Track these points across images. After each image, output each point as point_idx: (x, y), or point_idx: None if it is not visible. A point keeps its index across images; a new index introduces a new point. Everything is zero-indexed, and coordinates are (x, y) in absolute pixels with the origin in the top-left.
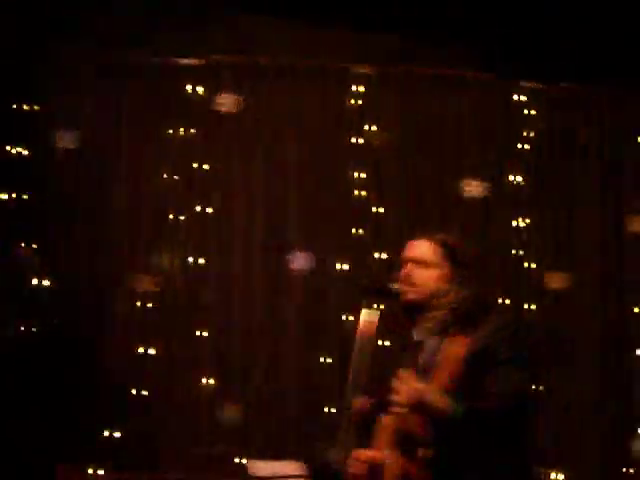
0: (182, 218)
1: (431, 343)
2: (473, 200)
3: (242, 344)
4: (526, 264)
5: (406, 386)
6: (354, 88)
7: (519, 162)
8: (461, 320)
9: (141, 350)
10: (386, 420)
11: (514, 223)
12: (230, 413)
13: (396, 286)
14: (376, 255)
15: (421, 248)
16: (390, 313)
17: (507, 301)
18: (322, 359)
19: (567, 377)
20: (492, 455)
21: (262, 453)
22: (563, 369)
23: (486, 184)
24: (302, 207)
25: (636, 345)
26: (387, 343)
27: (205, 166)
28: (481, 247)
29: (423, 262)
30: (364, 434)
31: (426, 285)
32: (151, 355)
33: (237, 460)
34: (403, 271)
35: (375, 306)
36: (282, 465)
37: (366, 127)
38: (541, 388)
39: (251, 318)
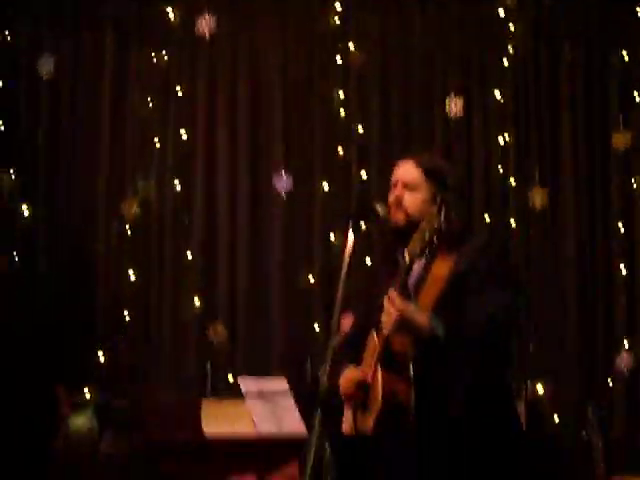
0: (166, 143)
1: (418, 265)
2: (457, 118)
3: (227, 266)
4: (510, 181)
5: (393, 306)
6: (337, 6)
7: (503, 79)
8: (447, 242)
9: (127, 273)
10: (374, 339)
11: (499, 139)
12: (218, 332)
13: (381, 208)
14: (362, 176)
15: (409, 171)
16: (377, 234)
17: (488, 219)
18: (308, 278)
19: (550, 293)
20: (474, 374)
21: (249, 371)
22: (546, 287)
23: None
24: (286, 127)
25: (618, 262)
26: (369, 263)
27: (183, 91)
28: (465, 165)
29: (412, 185)
30: (352, 354)
31: (415, 208)
32: (136, 278)
33: (227, 377)
34: (393, 194)
35: (363, 227)
36: (272, 381)
37: (351, 47)
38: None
39: (236, 239)
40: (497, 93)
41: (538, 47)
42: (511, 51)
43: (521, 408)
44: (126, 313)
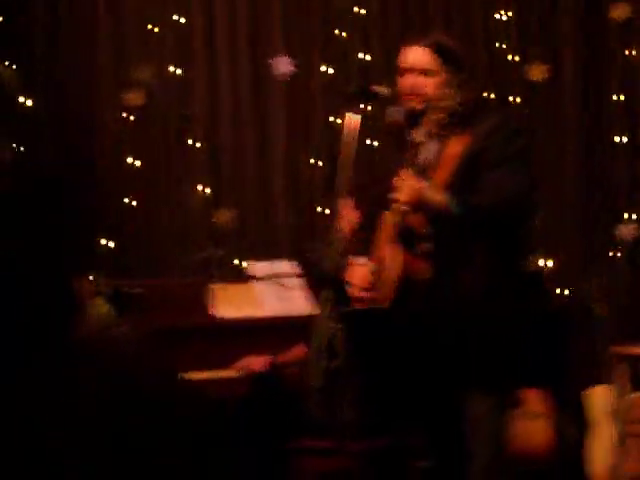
0: (165, 29)
1: (431, 144)
2: None
3: (232, 152)
4: (509, 57)
5: (406, 184)
6: None
7: None
8: (461, 121)
9: (131, 161)
10: (387, 217)
11: (496, 16)
12: (224, 218)
13: (382, 89)
14: (360, 56)
15: (418, 55)
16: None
17: (492, 95)
18: (311, 161)
19: (552, 167)
20: (488, 251)
21: (257, 255)
22: (547, 160)
23: None
24: (284, 12)
25: (620, 134)
26: (375, 143)
27: None
28: (465, 41)
29: (423, 70)
30: (364, 241)
31: (433, 93)
32: (143, 166)
33: (235, 262)
34: (407, 80)
35: (362, 107)
36: (279, 265)
37: None
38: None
39: (239, 124)
40: None
41: None
42: None
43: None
44: (132, 201)
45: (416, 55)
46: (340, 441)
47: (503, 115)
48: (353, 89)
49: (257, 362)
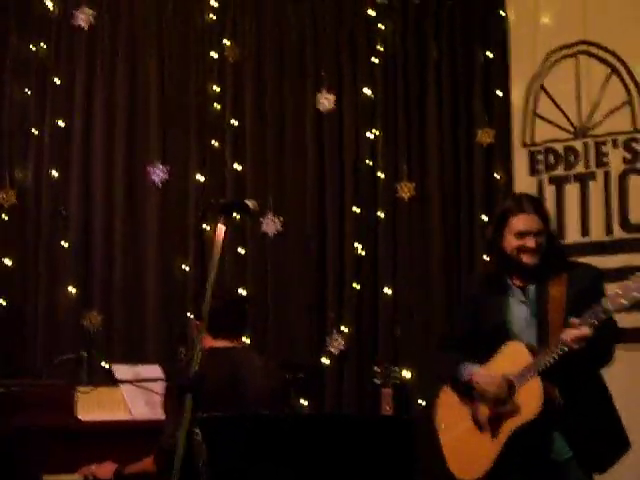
0: (43, 132)
1: (532, 289)
2: (328, 114)
3: (103, 253)
4: (378, 174)
5: (580, 332)
6: (212, 3)
7: (372, 75)
8: (555, 267)
9: (3, 260)
10: (520, 351)
11: (368, 135)
12: (93, 320)
13: (252, 202)
14: (234, 166)
15: (535, 221)
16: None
17: (358, 210)
18: (183, 266)
19: (417, 281)
20: (589, 384)
21: (125, 358)
22: (412, 275)
23: (338, 97)
24: (162, 120)
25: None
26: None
27: (62, 81)
28: (336, 159)
29: (540, 231)
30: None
31: (542, 246)
32: (12, 265)
33: (102, 364)
34: (532, 242)
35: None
36: (144, 369)
37: (226, 42)
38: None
39: (112, 228)
40: (367, 90)
41: (406, 46)
42: (381, 49)
43: (388, 392)
44: (1, 300)
45: (532, 221)
46: None
47: (588, 264)
48: (226, 201)
49: (103, 469)
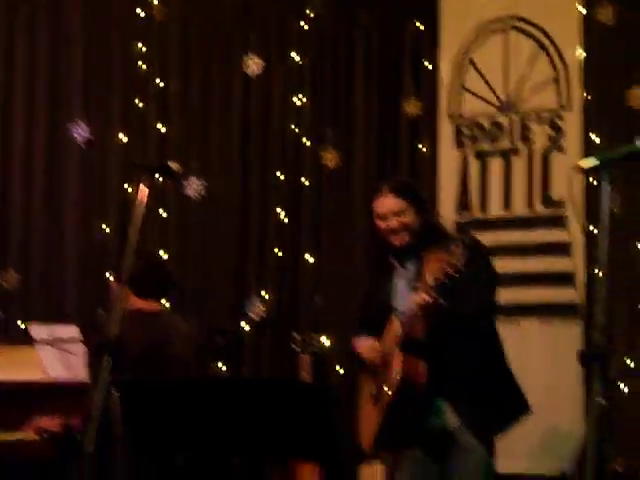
0: None
1: (411, 264)
2: (255, 77)
3: (21, 212)
4: (304, 141)
5: (420, 296)
6: None
7: (300, 40)
8: (433, 241)
9: None
10: (395, 325)
11: (295, 101)
12: (11, 279)
13: (176, 165)
14: (158, 127)
15: (391, 202)
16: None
17: (282, 176)
18: (104, 226)
19: (340, 251)
20: (472, 349)
21: (43, 318)
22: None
23: (266, 61)
24: (86, 79)
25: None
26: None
27: None
28: (262, 124)
29: (399, 211)
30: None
31: (407, 225)
32: None
33: (19, 324)
34: (392, 223)
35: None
36: (61, 329)
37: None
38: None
39: (31, 186)
40: (295, 55)
41: (336, 12)
42: (310, 14)
43: (306, 359)
44: None
45: (391, 203)
46: None
47: (472, 236)
48: (149, 163)
49: (51, 423)
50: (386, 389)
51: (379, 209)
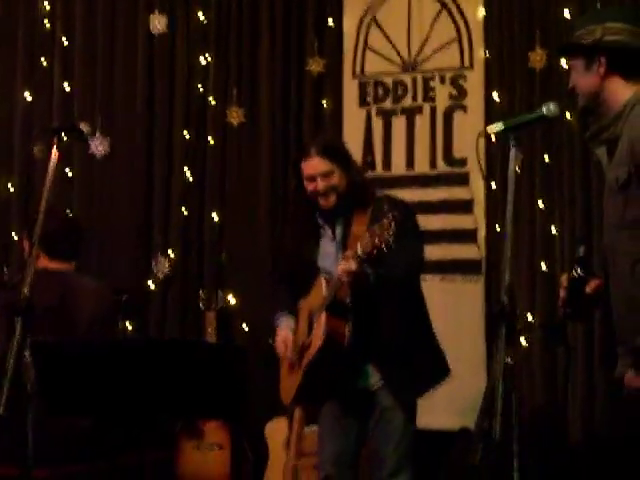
0: None
1: (340, 224)
2: (160, 36)
3: None
4: (209, 100)
5: (348, 264)
6: None
7: (207, 1)
8: (359, 202)
9: None
10: (322, 287)
11: (200, 59)
12: None
13: (85, 126)
14: (63, 85)
15: (320, 163)
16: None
17: (188, 135)
18: (9, 186)
19: (244, 208)
20: (398, 312)
21: None
22: (240, 203)
23: (171, 20)
24: None
25: None
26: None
27: None
28: (167, 83)
29: (327, 172)
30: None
31: (334, 187)
32: None
33: None
34: (319, 185)
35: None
36: None
37: None
38: None
39: None
40: (200, 14)
41: None
42: None
43: (212, 316)
44: None
45: (318, 164)
46: (25, 467)
47: (395, 198)
48: (59, 124)
49: None
50: (306, 352)
51: (307, 170)
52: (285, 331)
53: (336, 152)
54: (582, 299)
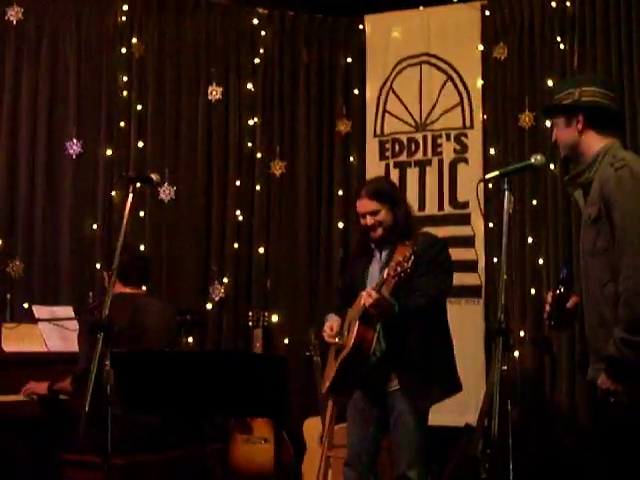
0: None
1: (384, 253)
2: (216, 102)
3: (25, 211)
4: (257, 155)
5: (371, 294)
6: (123, 7)
7: (254, 73)
8: (402, 236)
9: None
10: (360, 301)
11: (249, 122)
12: (15, 268)
13: (156, 176)
14: (138, 144)
15: (368, 203)
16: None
17: (239, 183)
18: (93, 226)
19: (286, 244)
20: (422, 332)
21: (43, 300)
22: (282, 239)
23: (225, 90)
24: (79, 105)
25: (337, 221)
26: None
27: None
28: (224, 141)
29: (374, 211)
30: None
31: (381, 222)
32: None
33: (24, 306)
34: (368, 221)
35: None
36: (59, 309)
37: (133, 40)
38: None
39: (34, 191)
40: (250, 84)
41: (282, 50)
42: (261, 52)
43: (259, 333)
44: None
45: (365, 205)
46: (106, 456)
47: (431, 235)
48: (134, 175)
49: (38, 386)
50: (342, 351)
51: (358, 209)
52: (331, 321)
53: (382, 194)
54: (564, 313)
